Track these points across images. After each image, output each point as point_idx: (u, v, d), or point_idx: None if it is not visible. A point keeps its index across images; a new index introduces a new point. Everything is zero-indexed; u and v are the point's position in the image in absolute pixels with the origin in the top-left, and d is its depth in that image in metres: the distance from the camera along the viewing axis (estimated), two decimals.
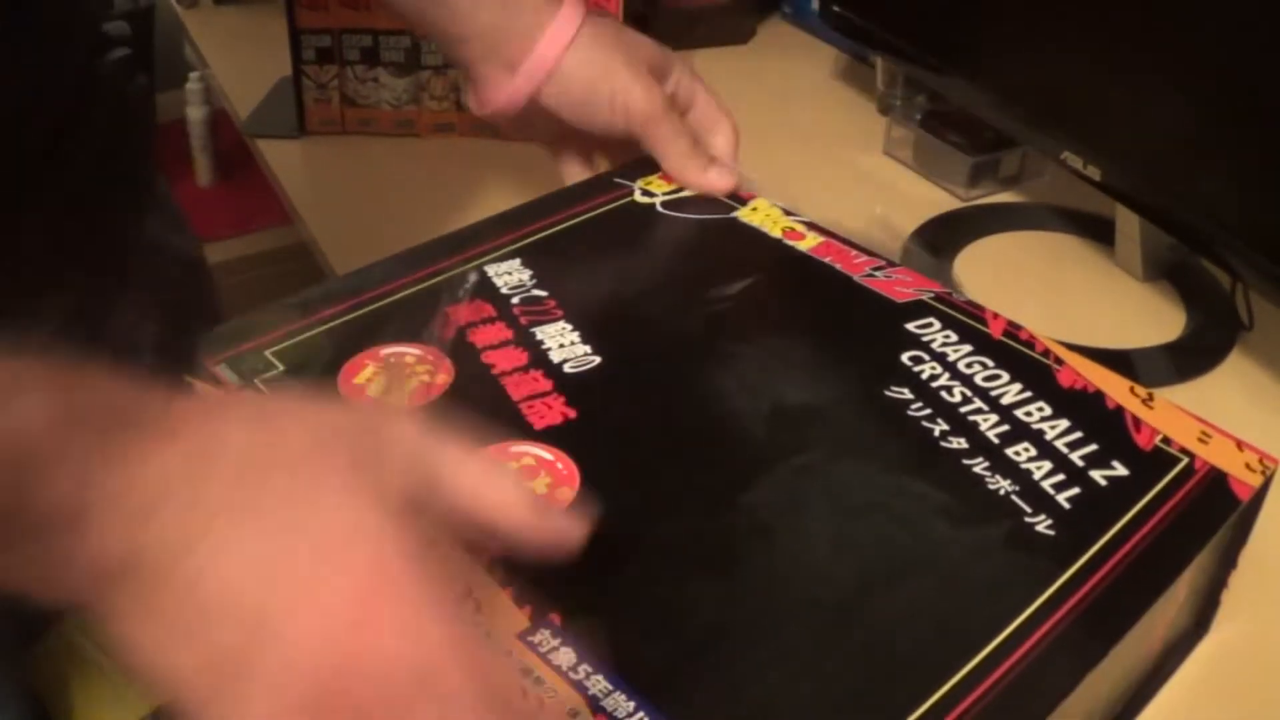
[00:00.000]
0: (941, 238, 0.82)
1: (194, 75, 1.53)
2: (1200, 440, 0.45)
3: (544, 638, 0.35)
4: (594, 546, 0.38)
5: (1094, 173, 0.72)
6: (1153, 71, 0.69)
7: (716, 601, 0.37)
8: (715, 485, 0.41)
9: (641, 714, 0.33)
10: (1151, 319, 0.75)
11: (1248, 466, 0.44)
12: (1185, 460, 0.44)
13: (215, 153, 1.58)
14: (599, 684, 0.33)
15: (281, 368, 0.45)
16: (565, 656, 0.34)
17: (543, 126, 0.61)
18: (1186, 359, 0.71)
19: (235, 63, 1.12)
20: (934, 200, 0.88)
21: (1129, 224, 0.77)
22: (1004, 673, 0.35)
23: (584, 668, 0.34)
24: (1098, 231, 0.83)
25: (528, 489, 0.36)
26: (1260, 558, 0.49)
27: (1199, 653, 0.50)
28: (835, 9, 0.96)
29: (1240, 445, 0.45)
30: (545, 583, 0.36)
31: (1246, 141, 0.63)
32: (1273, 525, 0.48)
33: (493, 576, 0.36)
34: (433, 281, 0.51)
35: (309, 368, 0.45)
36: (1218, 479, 0.43)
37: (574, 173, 0.65)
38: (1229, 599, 0.50)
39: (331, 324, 0.48)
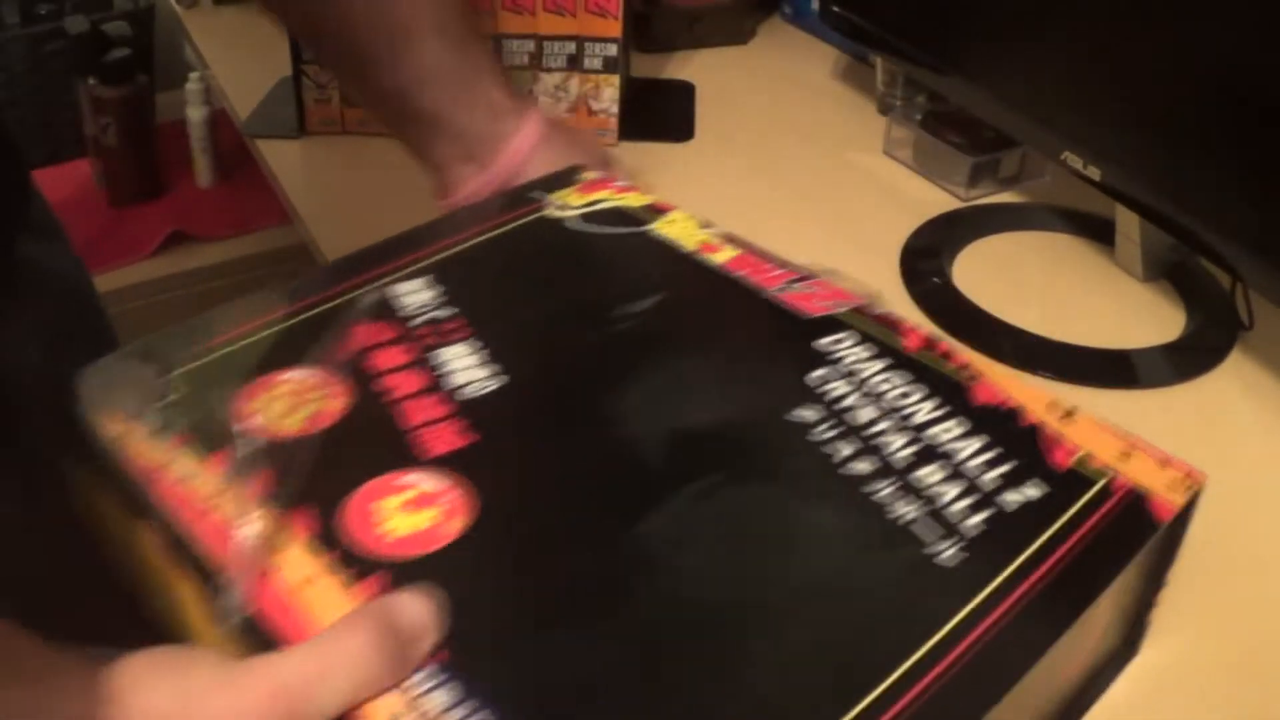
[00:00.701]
0: (941, 238, 0.82)
1: (194, 75, 1.53)
2: (1122, 457, 0.43)
3: (424, 678, 0.33)
4: (483, 578, 0.37)
5: (1094, 173, 0.72)
6: (1153, 72, 0.69)
7: (610, 633, 0.35)
8: (610, 513, 0.40)
9: None
10: (1151, 319, 0.75)
11: (1171, 484, 0.42)
12: (1102, 481, 0.42)
13: (215, 153, 1.58)
14: None
15: (181, 392, 0.43)
16: (447, 693, 0.33)
17: None
18: (1186, 359, 0.71)
19: (235, 63, 1.12)
20: (934, 200, 0.88)
21: (1129, 224, 0.77)
22: (903, 707, 0.33)
23: (465, 711, 0.32)
24: (1098, 231, 0.83)
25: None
26: (1191, 574, 0.48)
27: (1129, 674, 0.49)
28: (835, 9, 0.96)
29: (1165, 462, 0.43)
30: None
31: (1246, 142, 0.63)
32: (1205, 540, 0.47)
33: None
34: (335, 303, 0.49)
35: (211, 392, 0.44)
36: (1137, 500, 0.42)
37: None
38: (1159, 618, 0.49)
39: (232, 347, 0.46)
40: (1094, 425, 0.45)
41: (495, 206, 0.58)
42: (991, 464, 0.43)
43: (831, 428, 0.44)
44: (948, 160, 0.88)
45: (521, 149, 0.63)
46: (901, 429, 0.44)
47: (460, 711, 0.32)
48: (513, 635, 0.35)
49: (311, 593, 0.35)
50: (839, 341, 0.49)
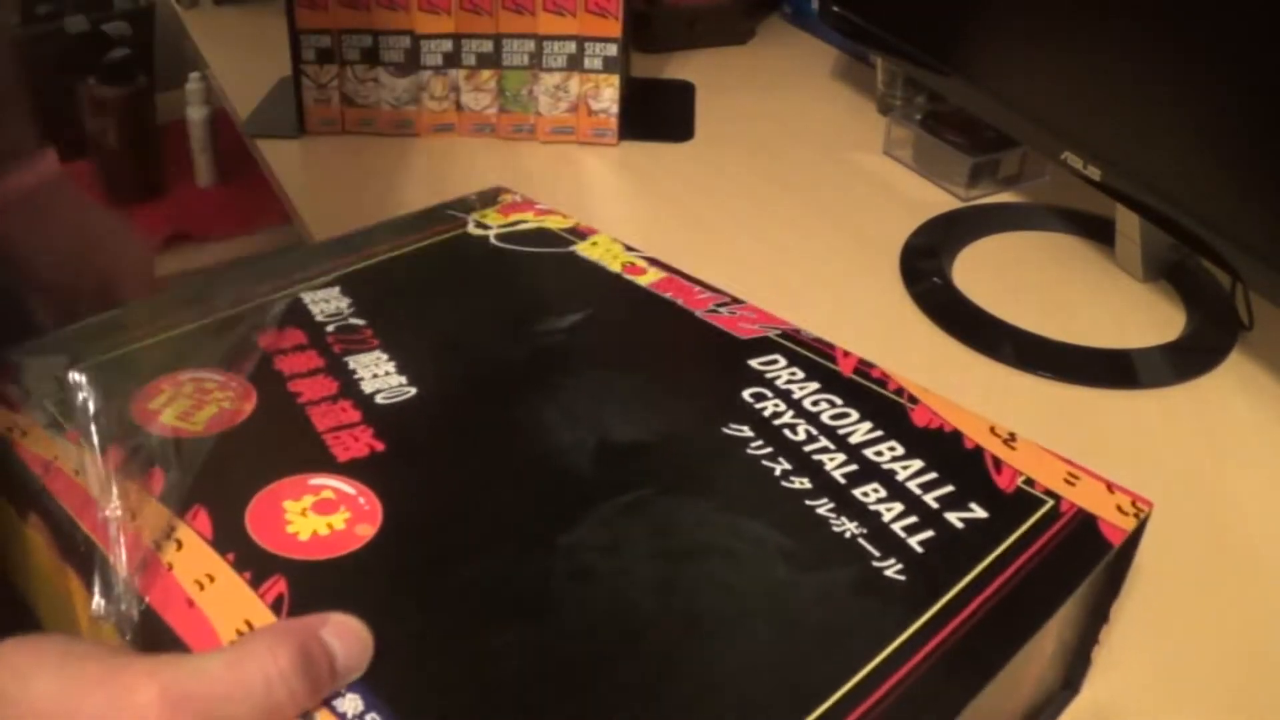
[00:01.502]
0: (941, 238, 0.82)
1: (194, 75, 1.53)
2: (1067, 482, 0.42)
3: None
4: (391, 583, 0.36)
5: (1094, 173, 0.72)
6: (1153, 72, 0.69)
7: (528, 648, 0.34)
8: (531, 524, 0.39)
9: None
10: (1151, 319, 0.75)
11: (1119, 509, 0.41)
12: (1051, 502, 0.41)
13: (215, 153, 1.58)
14: None
15: (85, 387, 0.42)
16: (351, 703, 0.32)
17: None
18: (1186, 359, 0.71)
19: (235, 63, 1.12)
20: (934, 200, 0.88)
21: (1129, 224, 0.77)
22: None
23: (371, 717, 0.31)
24: (1098, 231, 0.83)
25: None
26: (1133, 611, 0.46)
27: (1069, 714, 0.47)
28: (835, 9, 0.96)
29: (1111, 487, 0.42)
30: None
31: (1246, 142, 0.63)
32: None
33: (280, 614, 0.34)
34: (247, 306, 0.49)
35: (111, 388, 0.43)
36: (1087, 521, 0.41)
37: None
38: (1101, 656, 0.47)
39: (139, 344, 0.46)
40: (1037, 450, 0.44)
41: (411, 223, 0.57)
42: (933, 484, 0.42)
43: (767, 445, 0.43)
44: (948, 160, 0.88)
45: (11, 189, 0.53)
46: (839, 448, 0.43)
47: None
48: (420, 643, 0.34)
49: (212, 590, 0.35)
50: (772, 362, 0.48)
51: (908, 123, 0.92)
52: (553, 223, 0.58)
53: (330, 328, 0.48)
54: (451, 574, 0.36)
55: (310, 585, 0.35)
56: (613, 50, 0.93)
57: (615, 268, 0.54)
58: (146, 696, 0.29)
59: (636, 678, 0.33)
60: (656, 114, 1.01)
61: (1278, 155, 0.62)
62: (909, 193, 0.89)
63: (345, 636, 0.32)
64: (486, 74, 0.95)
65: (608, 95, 0.94)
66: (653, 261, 0.55)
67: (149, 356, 0.45)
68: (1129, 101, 0.71)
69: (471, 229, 0.56)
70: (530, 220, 0.58)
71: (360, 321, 0.48)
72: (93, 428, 0.40)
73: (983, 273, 0.79)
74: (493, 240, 0.56)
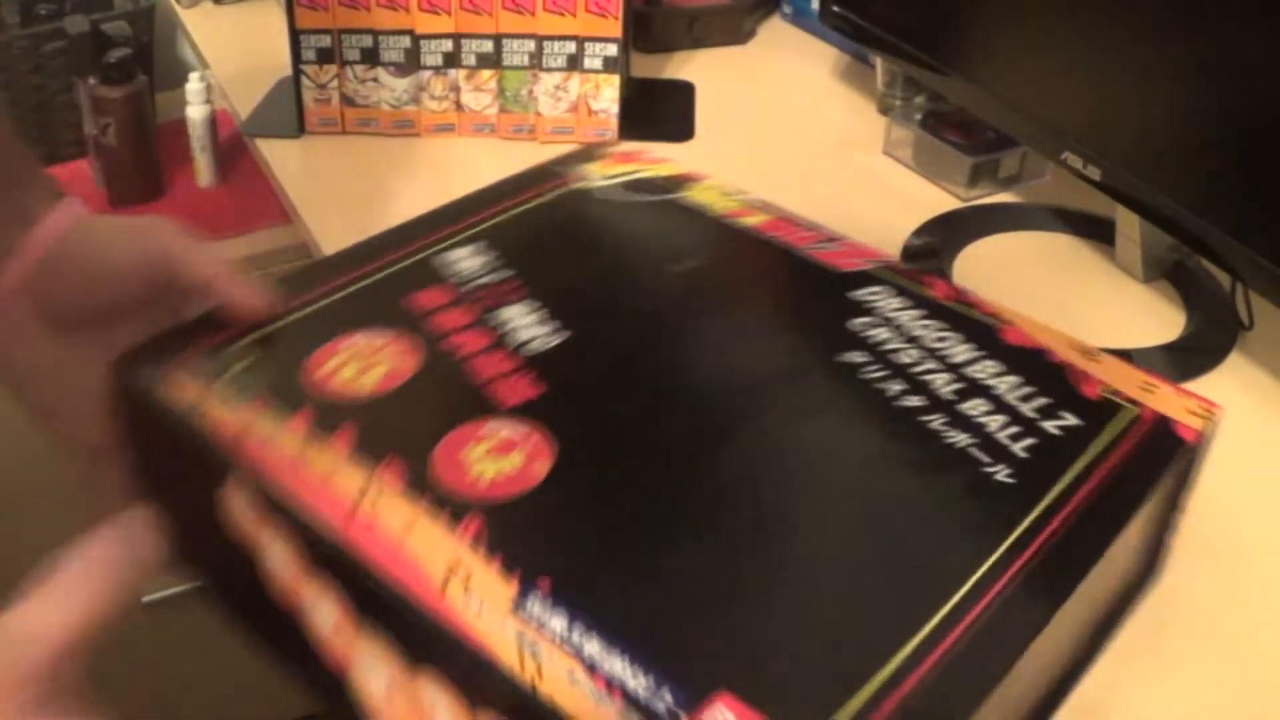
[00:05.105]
0: (941, 238, 0.82)
1: (194, 75, 1.53)
2: (1144, 390, 0.46)
3: (535, 606, 0.35)
4: (573, 512, 0.39)
5: (1094, 173, 0.72)
6: (1152, 72, 0.69)
7: (698, 558, 0.38)
8: (685, 450, 0.42)
9: (638, 671, 0.33)
10: (1151, 319, 0.75)
11: (1192, 413, 0.45)
12: (1134, 408, 0.45)
13: (215, 153, 1.58)
14: (593, 646, 0.34)
15: (252, 359, 0.45)
16: (557, 623, 0.35)
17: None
18: (1186, 359, 0.71)
19: (235, 63, 1.12)
20: (934, 200, 0.88)
21: (1129, 224, 0.77)
22: (982, 610, 0.36)
23: (576, 631, 0.34)
24: (1098, 231, 0.83)
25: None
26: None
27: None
28: (835, 9, 0.96)
29: (1182, 393, 0.46)
30: (531, 550, 0.37)
31: (1246, 142, 0.63)
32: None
33: (479, 550, 0.37)
34: (389, 271, 0.52)
35: (281, 358, 0.46)
36: (1165, 424, 0.45)
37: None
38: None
39: (296, 315, 0.48)
40: (1116, 363, 0.48)
41: (515, 185, 0.59)
42: (1029, 397, 0.45)
43: (879, 369, 0.46)
44: (948, 160, 0.88)
45: (49, 235, 0.48)
46: (943, 368, 0.47)
47: (574, 633, 0.34)
48: (609, 561, 0.37)
49: (415, 536, 0.37)
50: (874, 293, 0.51)
51: (908, 123, 0.92)
52: (662, 169, 0.61)
53: (473, 284, 0.50)
54: (624, 497, 0.40)
55: (501, 522, 0.38)
56: (613, 50, 0.92)
57: (722, 211, 0.57)
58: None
59: (795, 577, 0.37)
60: (656, 114, 1.01)
61: (1278, 155, 0.62)
62: (909, 193, 0.89)
63: (118, 535, 0.37)
64: (486, 74, 0.95)
65: (608, 95, 0.94)
66: (758, 204, 0.58)
67: (309, 326, 0.48)
68: (1129, 101, 0.71)
69: (581, 184, 0.59)
70: (637, 169, 0.61)
71: (501, 275, 0.51)
72: (274, 395, 0.43)
73: (983, 273, 0.79)
74: (601, 191, 0.58)
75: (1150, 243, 0.77)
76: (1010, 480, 0.41)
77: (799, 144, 0.97)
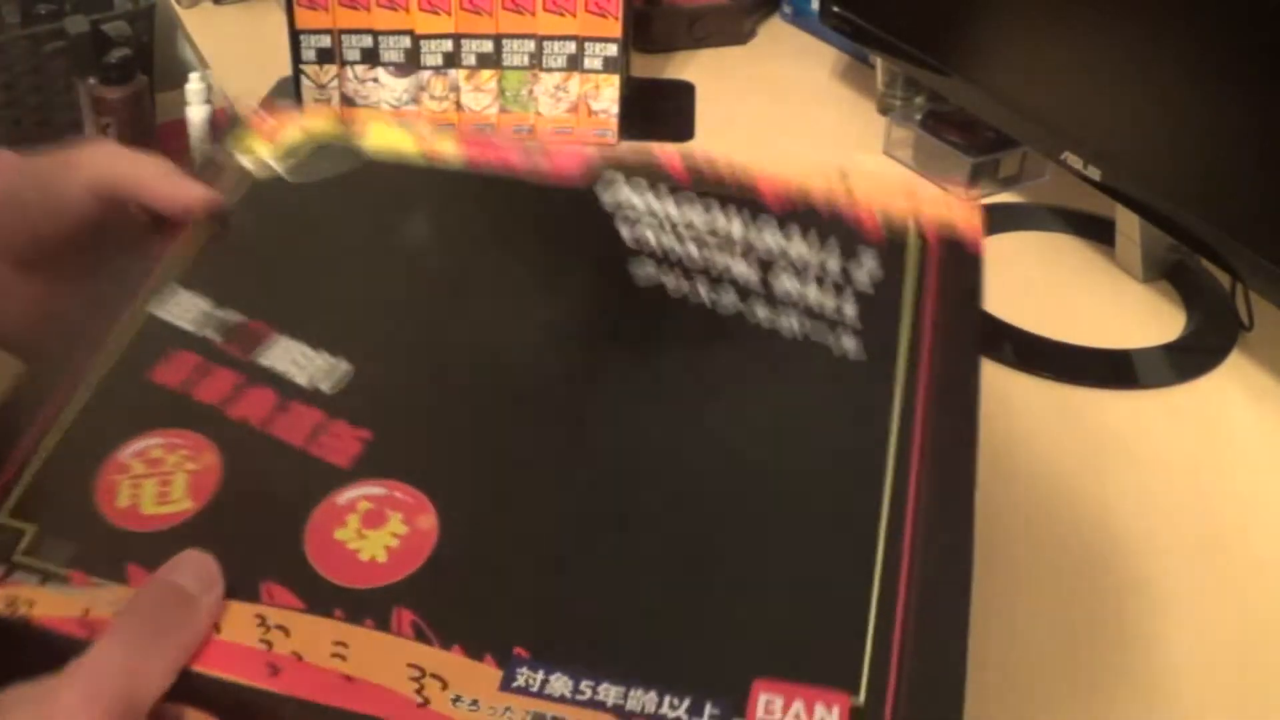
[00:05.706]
0: None
1: (194, 75, 1.53)
2: (909, 200, 0.45)
3: (526, 677, 0.32)
4: (492, 556, 0.35)
5: (1094, 173, 0.72)
6: (1153, 72, 0.69)
7: (645, 557, 0.35)
8: (554, 445, 0.38)
9: (666, 694, 0.31)
10: (1151, 319, 0.75)
11: (964, 215, 0.45)
12: (917, 238, 0.44)
13: None
14: (609, 690, 0.32)
15: (30, 529, 0.36)
16: (560, 684, 0.32)
17: None
18: (1186, 359, 0.71)
19: (235, 63, 1.12)
20: None
21: (1129, 224, 0.77)
22: (916, 503, 0.35)
23: (584, 683, 0.32)
24: (1098, 231, 0.83)
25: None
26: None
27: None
28: (835, 9, 0.96)
29: (944, 196, 0.45)
30: (482, 618, 0.33)
31: (1246, 142, 0.63)
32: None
33: (431, 642, 0.32)
34: (116, 359, 0.41)
35: (59, 506, 0.36)
36: (952, 246, 0.44)
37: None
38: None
39: (41, 460, 0.38)
40: (872, 180, 0.46)
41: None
42: (823, 260, 0.43)
43: (680, 276, 0.43)
44: (948, 160, 0.88)
45: None
46: (733, 252, 0.43)
47: (582, 686, 0.32)
48: (566, 596, 0.34)
49: (354, 658, 0.32)
50: (622, 193, 0.46)
51: (908, 123, 0.92)
52: (320, 125, 0.51)
53: (209, 334, 0.41)
54: (533, 522, 0.36)
55: (430, 601, 0.33)
56: (613, 50, 0.92)
57: (419, 153, 0.49)
58: (69, 698, 0.31)
59: (740, 543, 0.35)
60: (656, 114, 1.01)
61: (1277, 155, 0.62)
62: None
63: (184, 567, 0.33)
64: (486, 74, 0.94)
65: (608, 95, 0.94)
66: (437, 132, 0.50)
67: (64, 459, 0.38)
68: (1130, 102, 0.71)
69: (256, 172, 0.49)
70: (297, 136, 0.50)
71: (232, 317, 0.42)
72: (85, 563, 0.34)
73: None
74: (289, 177, 0.48)
75: (1150, 243, 0.77)
76: (860, 358, 0.40)
77: (799, 144, 0.97)
